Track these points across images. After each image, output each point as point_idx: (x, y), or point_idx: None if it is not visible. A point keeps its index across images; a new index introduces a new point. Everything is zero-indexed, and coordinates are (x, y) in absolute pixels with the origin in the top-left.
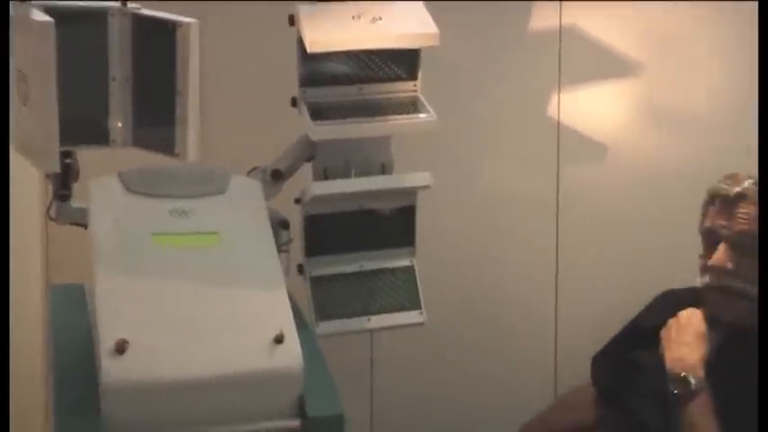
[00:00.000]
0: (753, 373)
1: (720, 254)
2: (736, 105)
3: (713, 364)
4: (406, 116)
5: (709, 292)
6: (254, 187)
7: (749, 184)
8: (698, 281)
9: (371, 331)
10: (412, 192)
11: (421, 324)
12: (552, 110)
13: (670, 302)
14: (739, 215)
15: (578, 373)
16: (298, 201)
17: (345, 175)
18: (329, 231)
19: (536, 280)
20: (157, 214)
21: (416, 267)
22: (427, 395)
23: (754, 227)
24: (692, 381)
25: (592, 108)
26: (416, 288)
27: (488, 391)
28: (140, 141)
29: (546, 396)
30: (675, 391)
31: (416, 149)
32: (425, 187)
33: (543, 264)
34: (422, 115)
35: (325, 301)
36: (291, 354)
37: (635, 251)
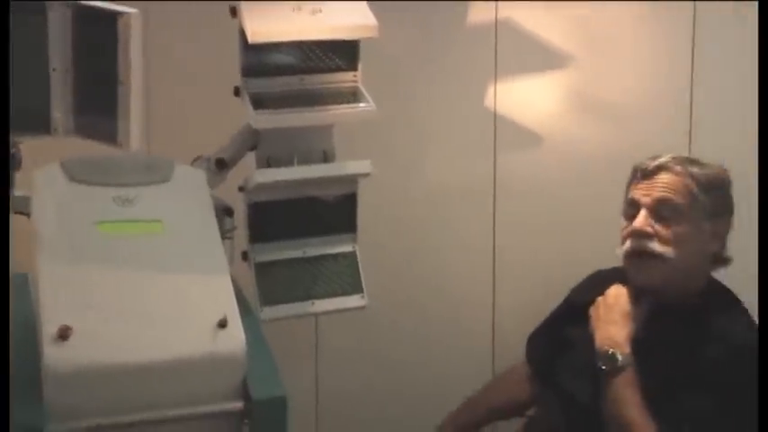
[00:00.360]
0: (674, 348)
1: (641, 218)
2: (662, 97)
3: (638, 341)
4: (345, 105)
5: (630, 256)
6: (197, 176)
7: (669, 157)
8: (618, 251)
9: (315, 315)
10: (353, 179)
11: (363, 308)
12: (489, 101)
13: (598, 281)
14: (658, 184)
15: (515, 352)
16: (242, 189)
17: (288, 163)
18: (273, 218)
19: (474, 264)
20: (101, 202)
21: (358, 253)
22: (369, 377)
23: (671, 194)
24: (619, 357)
25: (527, 99)
26: (358, 273)
27: (429, 372)
28: (83, 131)
29: (485, 375)
30: (603, 367)
31: (358, 139)
32: (365, 175)
33: (481, 248)
34: (361, 105)
35: (270, 286)
36: (235, 338)
37: (568, 234)
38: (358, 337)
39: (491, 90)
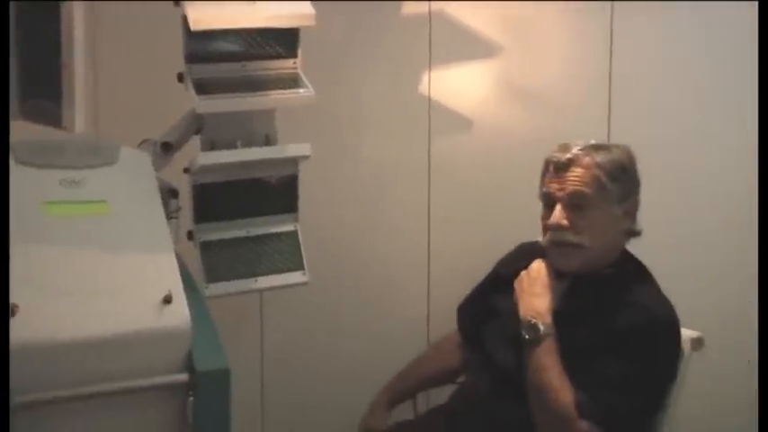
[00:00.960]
0: (590, 317)
1: (557, 213)
2: (582, 84)
3: (558, 311)
4: (286, 91)
5: (551, 248)
6: (143, 158)
7: (577, 150)
8: (540, 240)
9: (259, 291)
10: (294, 161)
11: (304, 284)
12: (423, 88)
13: (523, 254)
14: (570, 178)
15: (448, 322)
16: (187, 170)
17: (231, 146)
18: (217, 199)
19: (410, 240)
20: (48, 184)
21: (299, 232)
22: (311, 350)
23: (582, 186)
24: (541, 327)
25: (459, 86)
26: (300, 251)
27: (369, 343)
28: (29, 114)
29: (420, 343)
30: (526, 336)
31: (300, 123)
32: (305, 157)
33: (416, 226)
34: (301, 90)
35: (214, 264)
36: (179, 313)
37: (497, 210)
38: (300, 313)
39: (425, 77)
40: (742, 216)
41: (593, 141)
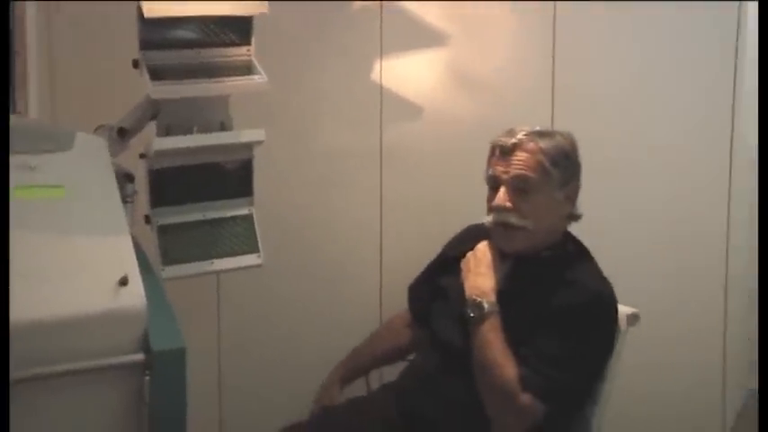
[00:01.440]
0: (533, 296)
1: (501, 195)
2: (527, 73)
3: (502, 290)
4: (239, 78)
5: (494, 228)
6: (98, 144)
7: (522, 135)
8: (485, 220)
9: (214, 273)
10: (248, 146)
11: (259, 266)
12: (375, 75)
13: (470, 235)
14: (514, 162)
15: (401, 303)
16: (143, 156)
17: (187, 132)
18: (173, 184)
19: (362, 224)
20: None
21: (255, 215)
22: (267, 331)
23: (526, 171)
24: (485, 305)
25: (409, 74)
26: (255, 234)
27: (323, 322)
28: None
29: (373, 324)
30: (471, 314)
31: (255, 111)
32: (260, 142)
33: (368, 209)
34: (255, 77)
35: (171, 247)
36: (135, 294)
37: (446, 194)
38: (256, 295)
39: (377, 66)
40: (677, 196)
41: (537, 128)
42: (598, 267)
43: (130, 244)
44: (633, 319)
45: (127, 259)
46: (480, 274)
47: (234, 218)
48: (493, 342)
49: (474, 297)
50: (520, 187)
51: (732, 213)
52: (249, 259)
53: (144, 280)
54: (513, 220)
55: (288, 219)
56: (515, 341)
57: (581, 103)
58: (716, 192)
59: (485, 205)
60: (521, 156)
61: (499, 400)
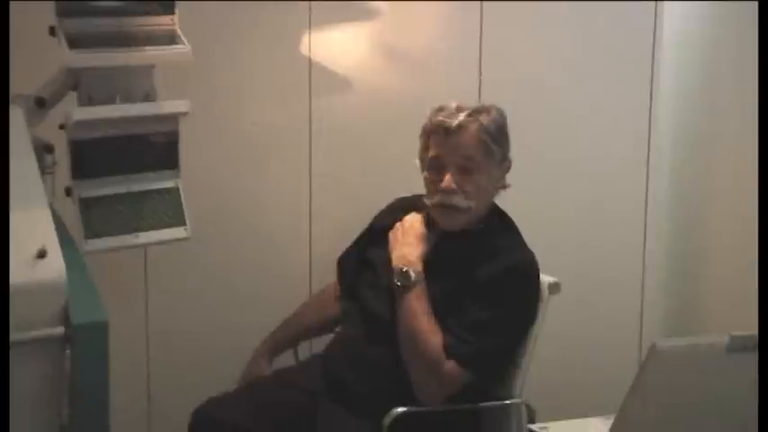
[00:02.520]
0: (459, 266)
1: (448, 178)
2: (455, 48)
3: (429, 260)
4: (162, 47)
5: (438, 209)
6: (15, 113)
7: (465, 116)
8: (426, 200)
9: (139, 246)
10: (173, 118)
11: (186, 239)
12: (304, 48)
13: (398, 208)
14: (461, 143)
15: (330, 276)
16: (62, 126)
17: (110, 102)
18: (96, 156)
19: (292, 197)
20: None
21: (181, 188)
22: (196, 305)
23: (472, 152)
24: (412, 274)
25: (338, 47)
26: (181, 207)
27: (252, 296)
28: None
29: (303, 297)
30: (398, 283)
31: (181, 83)
32: (184, 114)
33: (298, 182)
34: (178, 47)
35: (94, 220)
36: (53, 267)
37: (376, 167)
38: (184, 270)
39: (305, 38)
40: (598, 169)
41: (473, 104)
42: (521, 238)
43: (49, 216)
44: (554, 287)
45: (45, 231)
46: (407, 245)
47: (159, 191)
48: (418, 311)
49: (401, 266)
50: (465, 168)
51: (650, 184)
52: (176, 232)
53: (64, 253)
54: (459, 201)
55: (215, 192)
56: (441, 311)
57: (508, 76)
58: (635, 164)
59: (414, 178)
60: (465, 137)
61: (424, 367)
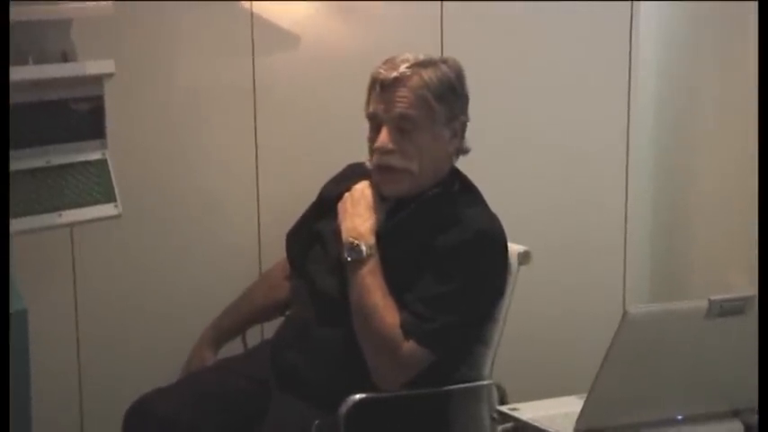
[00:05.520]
0: (415, 236)
1: (383, 136)
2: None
3: (382, 231)
4: (80, 2)
5: (376, 172)
6: None
7: (404, 68)
8: (367, 162)
9: (65, 226)
10: (97, 80)
11: (117, 216)
12: (245, 2)
13: (350, 174)
14: (397, 99)
15: (280, 252)
16: None
17: (22, 63)
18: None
19: (236, 166)
20: None
21: (109, 160)
22: (130, 287)
23: (410, 109)
24: (363, 248)
25: (283, 3)
26: (110, 181)
27: (195, 277)
28: None
29: (252, 276)
30: (348, 258)
31: (105, 40)
32: (110, 75)
33: (242, 150)
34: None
35: (12, 198)
36: None
37: (326, 130)
38: (116, 249)
39: None
40: (570, 134)
41: (421, 56)
42: (486, 205)
43: None
44: (524, 257)
45: None
46: (358, 215)
47: (84, 163)
48: (372, 287)
49: (351, 239)
50: (403, 127)
51: (631, 153)
52: (105, 209)
53: None
54: (396, 162)
55: (149, 164)
56: (398, 286)
57: (472, 23)
58: (614, 132)
59: (367, 142)
60: (403, 92)
61: (380, 349)
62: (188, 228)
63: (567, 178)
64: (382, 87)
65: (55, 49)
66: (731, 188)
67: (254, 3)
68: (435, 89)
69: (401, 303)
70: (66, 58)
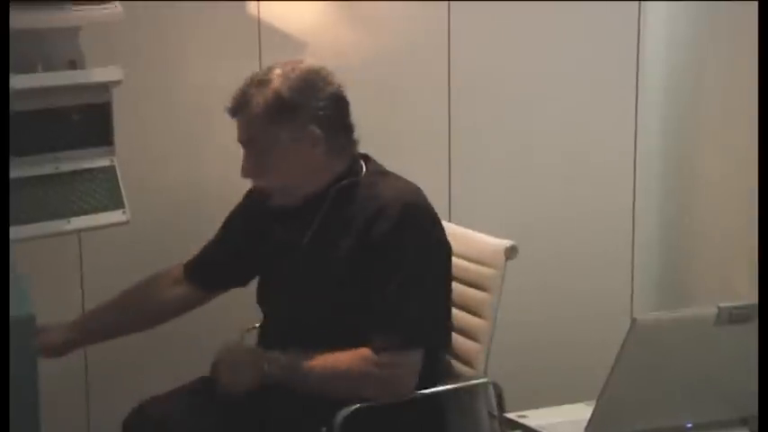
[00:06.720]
0: (336, 235)
1: (243, 161)
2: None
3: (306, 242)
4: (89, 6)
5: (256, 191)
6: None
7: (239, 95)
8: None
9: (73, 233)
10: (104, 87)
11: (125, 223)
12: (252, 7)
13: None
14: (239, 126)
15: None
16: None
17: (30, 71)
18: (16, 132)
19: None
20: None
21: (117, 166)
22: None
23: (250, 133)
24: (269, 367)
25: (291, 8)
26: (118, 187)
27: None
28: None
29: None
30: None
31: (113, 46)
32: (117, 82)
33: None
34: (106, 6)
35: (19, 205)
36: None
37: None
38: (123, 255)
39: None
40: (583, 159)
41: (260, 74)
42: (395, 179)
43: None
44: (511, 251)
45: None
46: (236, 367)
47: (92, 170)
48: (312, 369)
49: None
50: (251, 150)
51: (638, 156)
52: (113, 216)
53: None
54: (261, 183)
55: (157, 170)
56: (341, 279)
57: (478, 28)
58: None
59: (367, 143)
60: (241, 119)
61: (370, 385)
62: (196, 234)
63: (574, 183)
64: (231, 114)
65: (63, 56)
66: (740, 193)
67: (261, 8)
68: (268, 109)
69: (350, 320)
70: (74, 65)
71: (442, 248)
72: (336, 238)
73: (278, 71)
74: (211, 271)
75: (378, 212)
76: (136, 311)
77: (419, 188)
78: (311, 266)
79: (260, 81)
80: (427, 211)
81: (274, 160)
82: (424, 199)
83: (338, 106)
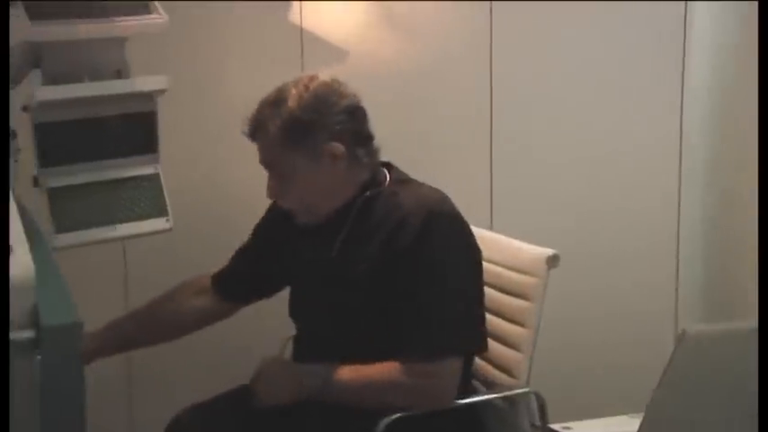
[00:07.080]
0: (368, 243)
1: (268, 184)
2: (460, 14)
3: (339, 250)
4: (136, 17)
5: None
6: None
7: (253, 120)
8: None
9: (117, 240)
10: (149, 96)
11: (168, 230)
12: (294, 16)
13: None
14: (258, 150)
15: None
16: (26, 108)
17: (77, 81)
18: (64, 140)
19: None
20: None
21: (161, 174)
22: None
23: (268, 158)
24: (315, 381)
25: (332, 14)
26: (162, 195)
27: None
28: None
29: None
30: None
31: (158, 56)
32: (162, 91)
33: None
34: (152, 16)
35: (64, 212)
36: (21, 265)
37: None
38: (166, 262)
39: (296, 4)
40: (628, 164)
41: (272, 96)
42: (418, 187)
43: (14, 209)
44: (553, 260)
45: (10, 226)
46: (276, 386)
47: (137, 178)
48: (351, 383)
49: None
50: (274, 173)
51: (683, 164)
52: (157, 223)
53: (32, 249)
54: (286, 203)
55: (200, 179)
56: (366, 299)
57: (520, 33)
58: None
59: (401, 151)
60: (259, 143)
61: (404, 396)
62: (235, 243)
63: (618, 190)
64: (250, 138)
65: (109, 66)
66: None
67: (303, 17)
68: (285, 131)
69: (384, 336)
70: (120, 74)
71: (471, 252)
72: (364, 250)
73: (291, 91)
74: (238, 283)
75: (403, 221)
76: (157, 323)
77: (444, 194)
78: (340, 279)
79: (273, 102)
80: (452, 217)
81: (297, 183)
82: (450, 204)
83: (354, 118)
